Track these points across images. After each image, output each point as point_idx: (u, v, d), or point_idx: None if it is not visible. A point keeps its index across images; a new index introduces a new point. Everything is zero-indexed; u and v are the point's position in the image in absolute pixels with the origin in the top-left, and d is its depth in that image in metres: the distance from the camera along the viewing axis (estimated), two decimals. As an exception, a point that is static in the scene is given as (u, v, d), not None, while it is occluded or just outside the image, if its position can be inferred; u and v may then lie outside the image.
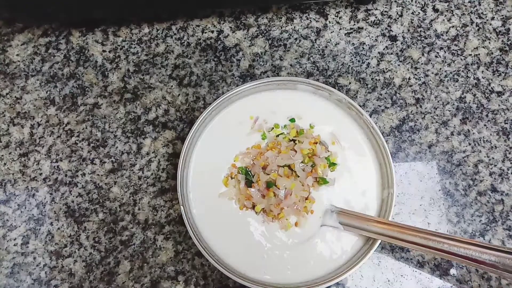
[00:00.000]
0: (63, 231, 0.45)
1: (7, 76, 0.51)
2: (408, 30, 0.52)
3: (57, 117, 0.49)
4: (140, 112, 0.49)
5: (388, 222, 0.40)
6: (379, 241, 0.39)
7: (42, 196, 0.46)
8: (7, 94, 0.50)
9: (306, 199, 0.42)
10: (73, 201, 0.46)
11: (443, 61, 0.51)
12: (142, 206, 0.46)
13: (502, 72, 0.50)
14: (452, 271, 0.43)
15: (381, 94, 0.49)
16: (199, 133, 0.45)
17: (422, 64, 0.51)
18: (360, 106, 0.45)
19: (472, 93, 0.49)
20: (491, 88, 0.49)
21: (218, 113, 0.46)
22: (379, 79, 0.50)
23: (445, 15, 0.53)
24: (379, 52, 0.51)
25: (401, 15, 0.53)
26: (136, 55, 0.51)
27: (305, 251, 0.41)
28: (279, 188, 0.41)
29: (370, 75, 0.50)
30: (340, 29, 0.52)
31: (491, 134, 0.48)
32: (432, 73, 0.50)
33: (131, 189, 0.46)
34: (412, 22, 0.52)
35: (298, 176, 0.42)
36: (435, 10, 0.53)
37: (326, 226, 0.42)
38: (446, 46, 0.51)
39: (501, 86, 0.50)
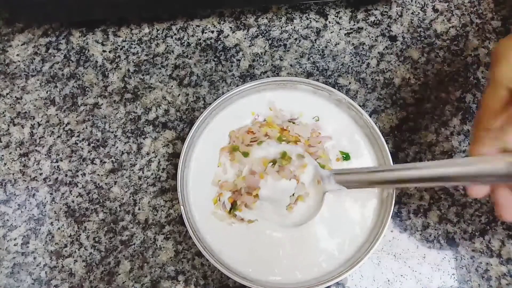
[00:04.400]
0: (63, 231, 0.45)
1: (7, 76, 0.51)
2: (408, 30, 0.52)
3: (57, 117, 0.49)
4: (140, 112, 0.49)
5: (383, 167, 0.41)
6: (379, 241, 0.39)
7: (42, 196, 0.46)
8: (7, 94, 0.50)
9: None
10: (73, 201, 0.46)
11: (442, 61, 0.51)
12: (142, 206, 0.46)
13: (502, 72, 0.50)
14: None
15: (381, 94, 0.49)
16: (199, 133, 0.45)
17: (422, 64, 0.51)
18: (360, 106, 0.45)
19: (472, 93, 0.49)
20: (491, 88, 0.49)
21: (218, 113, 0.46)
22: (379, 79, 0.50)
23: (445, 15, 0.53)
24: (379, 52, 0.51)
25: (401, 15, 0.53)
26: (136, 55, 0.51)
27: (305, 250, 0.41)
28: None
29: (370, 75, 0.50)
30: (340, 29, 0.52)
31: (491, 134, 0.48)
32: (432, 73, 0.50)
33: (131, 189, 0.46)
34: (412, 22, 0.52)
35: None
36: (435, 10, 0.53)
37: (329, 192, 0.42)
38: (446, 46, 0.51)
39: (501, 86, 0.50)
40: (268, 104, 0.46)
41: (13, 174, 0.47)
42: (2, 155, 0.48)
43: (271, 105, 0.46)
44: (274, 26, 0.52)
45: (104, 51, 0.52)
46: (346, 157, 0.44)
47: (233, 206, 0.42)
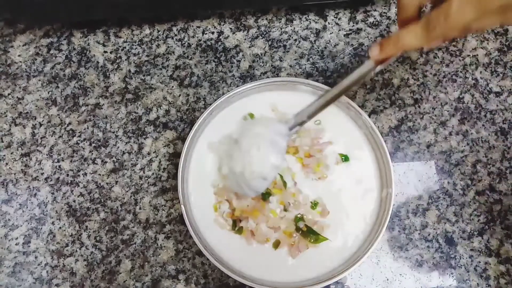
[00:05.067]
0: (64, 230, 0.46)
1: (9, 76, 0.51)
2: (407, 31, 0.52)
3: (59, 117, 0.50)
4: (141, 113, 0.50)
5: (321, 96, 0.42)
6: (378, 240, 0.40)
7: (43, 196, 0.47)
8: (9, 94, 0.51)
9: None
10: (74, 201, 0.46)
11: (441, 61, 0.51)
12: (143, 205, 0.46)
13: (500, 73, 0.50)
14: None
15: (379, 95, 0.50)
16: (200, 133, 0.45)
17: (420, 64, 0.51)
18: (359, 106, 0.45)
19: (471, 93, 0.50)
20: (489, 88, 0.50)
21: (219, 113, 0.46)
22: (378, 80, 0.50)
23: (444, 16, 0.53)
24: (378, 53, 0.51)
25: (400, 16, 0.53)
26: (137, 56, 0.52)
27: (311, 249, 0.42)
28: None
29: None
30: (339, 30, 0.52)
31: (489, 134, 0.48)
32: (431, 73, 0.51)
33: (132, 189, 0.47)
34: (410, 23, 0.53)
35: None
36: (434, 11, 0.53)
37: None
38: (444, 47, 0.52)
39: (499, 86, 0.50)
40: (268, 105, 0.46)
41: (14, 174, 0.48)
42: (4, 155, 0.48)
43: (273, 106, 0.46)
44: (274, 27, 0.53)
45: (105, 51, 0.52)
46: (345, 158, 0.44)
47: (235, 223, 0.42)
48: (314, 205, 0.43)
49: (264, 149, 0.40)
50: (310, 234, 0.42)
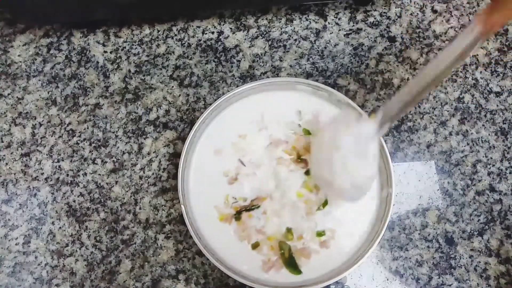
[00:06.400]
0: (64, 230, 0.46)
1: (8, 76, 0.51)
2: (407, 31, 0.52)
3: (59, 117, 0.50)
4: (141, 113, 0.50)
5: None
6: (378, 240, 0.40)
7: (43, 196, 0.47)
8: (8, 94, 0.51)
9: None
10: (74, 201, 0.46)
11: (441, 61, 0.51)
12: (143, 205, 0.46)
13: (501, 73, 0.50)
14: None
15: (380, 95, 0.50)
16: (200, 133, 0.45)
17: (420, 64, 0.51)
18: (359, 106, 0.45)
19: (471, 93, 0.50)
20: (490, 88, 0.50)
21: (219, 113, 0.46)
22: (378, 80, 0.50)
23: (444, 16, 0.53)
24: (378, 53, 0.51)
25: (400, 16, 0.53)
26: (137, 56, 0.52)
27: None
28: None
29: (369, 76, 0.50)
30: (339, 30, 0.52)
31: (489, 134, 0.48)
32: (431, 73, 0.50)
33: (132, 189, 0.47)
34: (410, 23, 0.53)
35: None
36: (434, 11, 0.53)
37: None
38: (444, 47, 0.52)
39: (499, 86, 0.50)
40: (268, 106, 0.46)
41: (14, 174, 0.48)
42: (4, 155, 0.48)
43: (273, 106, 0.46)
44: (274, 27, 0.53)
45: (105, 51, 0.52)
46: None
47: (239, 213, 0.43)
48: (319, 234, 0.42)
49: (352, 166, 0.36)
50: (290, 264, 0.41)
